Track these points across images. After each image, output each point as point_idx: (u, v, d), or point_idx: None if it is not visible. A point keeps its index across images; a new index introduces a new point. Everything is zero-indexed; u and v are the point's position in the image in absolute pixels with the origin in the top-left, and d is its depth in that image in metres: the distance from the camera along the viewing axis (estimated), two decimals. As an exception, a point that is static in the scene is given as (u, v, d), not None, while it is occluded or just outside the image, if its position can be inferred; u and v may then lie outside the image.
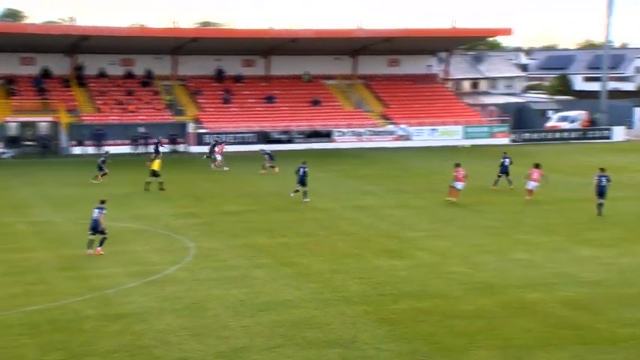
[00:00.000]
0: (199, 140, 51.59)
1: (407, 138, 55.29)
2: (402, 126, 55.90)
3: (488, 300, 17.40)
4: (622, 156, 47.89)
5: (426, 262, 21.00)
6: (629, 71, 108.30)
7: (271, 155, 40.51)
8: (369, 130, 55.40)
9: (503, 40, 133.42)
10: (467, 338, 15.00)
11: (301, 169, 30.84)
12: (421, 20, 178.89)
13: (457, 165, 31.03)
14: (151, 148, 46.55)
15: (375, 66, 62.44)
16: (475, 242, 23.40)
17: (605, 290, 18.03)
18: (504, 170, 33.86)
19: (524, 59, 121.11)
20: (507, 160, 34.07)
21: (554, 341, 14.74)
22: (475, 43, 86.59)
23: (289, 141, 52.86)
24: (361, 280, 19.06)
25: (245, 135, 52.24)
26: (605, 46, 64.61)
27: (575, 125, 61.51)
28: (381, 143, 54.27)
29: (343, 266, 20.51)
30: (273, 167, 39.71)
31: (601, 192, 27.72)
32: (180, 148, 51.11)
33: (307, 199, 30.46)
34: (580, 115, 63.16)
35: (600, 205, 27.59)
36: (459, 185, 30.61)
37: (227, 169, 40.55)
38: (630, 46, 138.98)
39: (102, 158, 36.82)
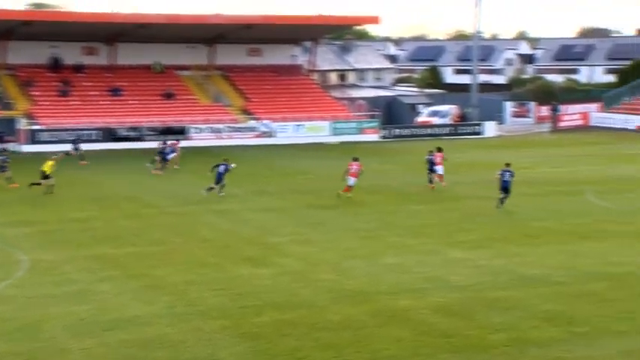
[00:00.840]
0: (33, 138, 49.29)
1: (270, 135, 55.50)
2: (265, 122, 56.04)
3: (358, 309, 17.71)
4: (493, 152, 50.38)
5: (292, 269, 21.11)
6: (499, 63, 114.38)
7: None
8: (229, 127, 55.11)
9: (371, 30, 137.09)
10: (334, 351, 15.18)
11: (222, 167, 32.31)
12: (285, 7, 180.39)
13: (355, 159, 32.11)
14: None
15: (234, 56, 62.19)
16: (344, 246, 23.78)
17: (477, 294, 18.83)
18: (431, 168, 35.20)
19: (393, 50, 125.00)
20: (433, 157, 35.51)
21: (425, 350, 15.21)
22: (342, 32, 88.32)
23: (139, 139, 51.59)
24: (220, 292, 18.88)
25: (87, 132, 50.43)
26: (475, 37, 67.76)
27: (446, 120, 64.03)
28: (242, 140, 54.11)
29: (200, 277, 20.24)
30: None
31: (504, 187, 29.65)
32: (10, 147, 48.60)
33: (222, 193, 32.17)
34: (451, 109, 65.76)
35: (503, 199, 29.60)
36: (351, 181, 31.51)
37: (177, 166, 41.09)
38: (500, 37, 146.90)
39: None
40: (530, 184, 35.68)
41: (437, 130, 60.50)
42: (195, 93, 59.21)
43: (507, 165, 30.38)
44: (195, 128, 54.08)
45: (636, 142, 54.88)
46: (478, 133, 60.76)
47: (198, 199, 31.99)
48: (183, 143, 53.87)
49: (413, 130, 60.83)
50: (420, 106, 68.15)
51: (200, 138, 53.79)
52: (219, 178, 32.13)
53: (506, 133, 62.78)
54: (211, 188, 32.07)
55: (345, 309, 17.69)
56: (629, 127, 62.41)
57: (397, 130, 60.09)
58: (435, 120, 63.38)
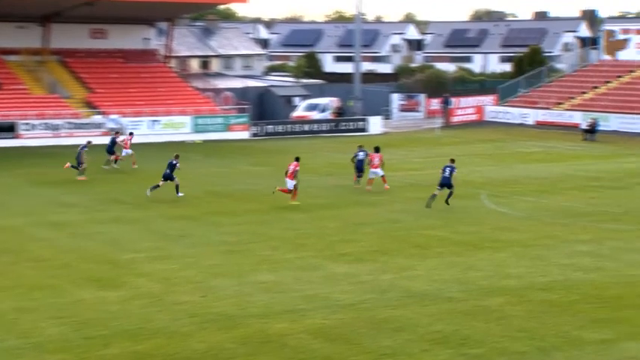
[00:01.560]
0: None
1: (120, 131, 54.51)
2: (113, 116, 55.00)
3: (226, 335, 17.71)
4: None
5: (147, 291, 20.86)
6: (384, 50, 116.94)
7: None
8: (69, 123, 53.78)
9: (238, 9, 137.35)
10: (199, 386, 15.09)
11: (360, 155, 36.30)
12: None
13: (296, 159, 32.94)
14: None
15: (73, 38, 60.78)
16: (209, 263, 23.71)
17: (362, 314, 19.21)
18: (360, 165, 36.62)
19: (264, 33, 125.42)
20: (362, 153, 37.05)
21: (305, 381, 15.36)
22: (204, 12, 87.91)
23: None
24: (59, 320, 18.43)
25: None
26: (357, 19, 68.99)
27: (327, 115, 64.84)
28: (86, 139, 52.87)
29: (34, 303, 19.70)
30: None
31: (442, 184, 31.97)
32: None
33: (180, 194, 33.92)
34: (331, 102, 66.66)
35: (433, 197, 31.83)
36: (290, 184, 32.12)
37: (136, 166, 41.88)
38: (385, 21, 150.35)
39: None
40: (420, 188, 36.69)
41: (315, 127, 61.14)
42: (25, 82, 57.33)
43: (452, 161, 32.67)
44: (27, 124, 52.44)
45: (534, 138, 57.50)
46: (362, 130, 61.83)
47: (27, 210, 31.07)
48: (12, 142, 52.14)
49: (288, 126, 61.19)
50: (297, 98, 68.66)
51: (32, 136, 52.27)
52: (167, 175, 34.07)
53: (393, 130, 64.21)
54: (157, 186, 34.02)
55: (211, 336, 17.65)
56: (526, 123, 65.32)
57: (270, 127, 60.32)
58: (314, 115, 64.01)
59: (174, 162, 34.40)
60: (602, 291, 20.77)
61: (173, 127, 56.56)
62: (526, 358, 16.44)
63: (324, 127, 61.48)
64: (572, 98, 66.13)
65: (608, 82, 66.79)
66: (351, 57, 76.95)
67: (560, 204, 32.89)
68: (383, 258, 24.44)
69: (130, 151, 42.83)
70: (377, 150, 36.22)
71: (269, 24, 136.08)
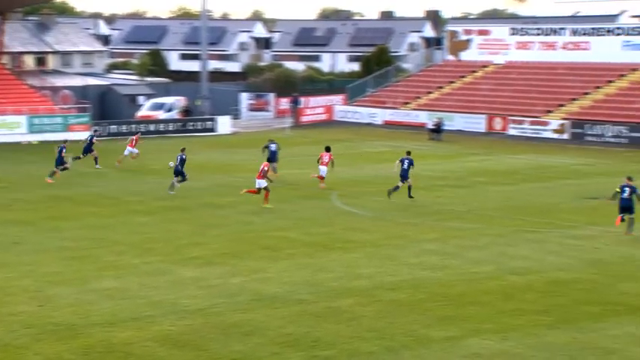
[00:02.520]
0: None
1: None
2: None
3: (65, 345, 17.25)
4: (229, 152, 51.42)
5: (-20, 303, 20.05)
6: (232, 48, 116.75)
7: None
8: None
9: (76, 4, 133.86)
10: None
11: (272, 147, 38.55)
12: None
13: (269, 161, 34.00)
14: None
15: None
16: (48, 270, 23.08)
17: (211, 319, 19.13)
18: (273, 157, 38.38)
19: (105, 29, 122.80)
20: (274, 145, 39.46)
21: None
22: (37, 6, 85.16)
23: None
24: None
25: None
26: (203, 16, 68.58)
27: (173, 115, 64.22)
28: None
29: None
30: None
31: (402, 176, 33.82)
32: None
33: (172, 192, 34.77)
34: (178, 101, 66.09)
35: (396, 188, 33.77)
36: (259, 184, 32.36)
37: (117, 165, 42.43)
38: (233, 18, 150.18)
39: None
40: (272, 189, 36.86)
41: (162, 127, 60.43)
42: None
43: (408, 153, 34.70)
44: None
45: (382, 138, 58.83)
46: (211, 130, 61.58)
47: None
48: None
49: (132, 126, 60.20)
50: (141, 97, 67.66)
51: None
52: (177, 171, 35.21)
53: (242, 129, 64.21)
54: (174, 183, 35.33)
55: (50, 347, 17.14)
56: (375, 122, 66.75)
57: (113, 127, 59.18)
58: (159, 114, 63.27)
59: (184, 156, 35.60)
60: (448, 289, 21.49)
61: (7, 128, 54.55)
62: (375, 358, 16.80)
63: (171, 127, 60.78)
64: (419, 98, 68.09)
65: (452, 82, 69.14)
66: (197, 55, 76.43)
67: (408, 203, 33.78)
68: (233, 261, 24.42)
69: (135, 150, 43.76)
70: (327, 149, 37.47)
71: (110, 19, 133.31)
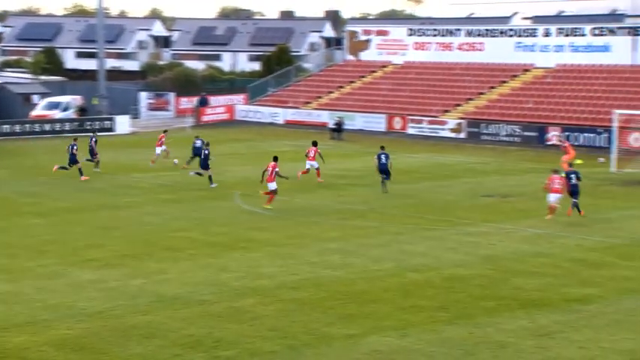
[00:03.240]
0: None
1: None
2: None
3: (-40, 353, 16.75)
4: (128, 152, 50.70)
5: None
6: (130, 46, 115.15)
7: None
8: None
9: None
10: None
11: (197, 143, 40.76)
12: None
13: (274, 158, 33.37)
14: None
15: None
16: (-62, 275, 22.36)
17: (111, 322, 18.84)
18: (197, 153, 40.35)
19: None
20: (199, 141, 41.62)
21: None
22: None
23: None
24: None
25: None
26: (99, 13, 67.42)
27: (69, 114, 62.97)
28: None
29: None
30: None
31: (382, 170, 35.81)
32: None
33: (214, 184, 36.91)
34: (74, 100, 64.87)
35: (383, 182, 35.77)
36: (271, 186, 32.42)
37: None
38: (130, 16, 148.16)
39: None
40: (172, 189, 36.54)
41: (57, 126, 59.23)
42: None
43: (382, 148, 36.81)
44: None
45: (284, 137, 58.95)
46: (109, 129, 60.65)
47: None
48: None
49: (26, 126, 58.88)
50: (35, 96, 66.12)
51: None
52: (205, 163, 37.21)
53: (142, 129, 63.41)
54: (199, 173, 37.61)
55: (-58, 355, 16.59)
56: (277, 122, 66.83)
57: (6, 127, 57.75)
58: (55, 114, 62.01)
59: (207, 151, 37.57)
60: (350, 287, 21.71)
61: None
62: (277, 357, 16.86)
63: (67, 126, 59.53)
64: (320, 98, 68.47)
65: (352, 82, 69.77)
66: (94, 53, 75.08)
67: (311, 202, 33.96)
68: (132, 262, 24.11)
69: (164, 147, 44.31)
70: (314, 144, 39.22)
71: (1, 17, 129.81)
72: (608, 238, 27.35)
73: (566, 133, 51.82)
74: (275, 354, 16.99)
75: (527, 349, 17.18)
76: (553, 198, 30.14)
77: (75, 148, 39.13)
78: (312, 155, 38.74)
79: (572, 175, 30.60)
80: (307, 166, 38.67)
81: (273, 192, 32.57)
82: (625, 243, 26.70)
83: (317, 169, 38.69)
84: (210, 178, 37.28)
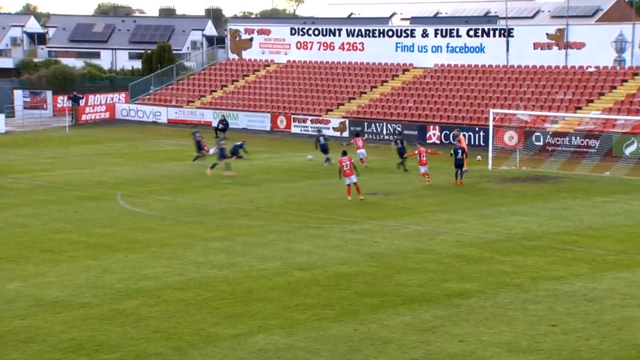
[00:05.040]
0: None
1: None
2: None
3: None
4: (4, 152, 49.22)
5: None
6: (3, 43, 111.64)
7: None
8: None
9: None
10: None
11: (321, 138, 44.73)
12: None
13: (344, 153, 34.76)
14: None
15: None
16: None
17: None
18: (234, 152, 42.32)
19: None
20: (198, 134, 45.25)
21: None
22: None
23: None
24: None
25: None
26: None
27: None
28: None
29: None
30: None
31: (400, 153, 42.42)
32: None
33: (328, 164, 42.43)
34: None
35: (402, 163, 42.22)
36: (353, 179, 33.74)
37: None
38: (4, 12, 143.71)
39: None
40: (51, 190, 35.65)
41: None
42: None
43: (399, 133, 46.09)
44: None
45: (168, 136, 58.30)
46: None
47: None
48: None
49: None
50: None
51: None
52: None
53: (18, 129, 61.92)
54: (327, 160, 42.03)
55: None
56: (159, 121, 66.00)
57: None
58: None
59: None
60: (235, 286, 21.66)
61: None
62: (163, 359, 16.67)
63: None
64: (203, 96, 67.98)
65: (235, 80, 69.53)
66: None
67: (195, 202, 33.70)
68: (9, 266, 23.42)
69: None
70: (358, 134, 46.80)
71: None
72: (486, 234, 28.15)
73: (463, 132, 52.99)
74: (160, 356, 16.80)
75: (410, 344, 17.51)
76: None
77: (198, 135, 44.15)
78: (360, 144, 44.12)
79: (459, 151, 37.98)
80: (360, 156, 43.39)
81: (355, 184, 34.11)
82: (501, 239, 27.53)
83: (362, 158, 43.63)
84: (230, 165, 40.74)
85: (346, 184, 34.18)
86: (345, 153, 34.80)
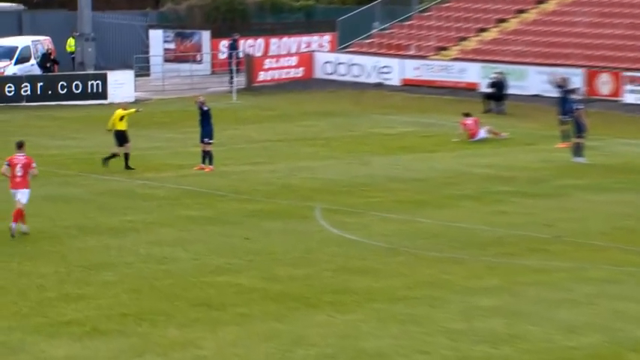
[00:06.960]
0: None
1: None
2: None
3: None
4: (139, 137, 51.20)
5: None
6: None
7: None
8: None
9: None
10: None
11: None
12: None
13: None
14: None
15: None
16: None
17: None
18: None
19: None
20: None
21: None
22: None
23: None
24: None
25: None
26: None
27: (30, 68, 65.23)
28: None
29: None
30: None
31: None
32: None
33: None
34: (37, 44, 66.68)
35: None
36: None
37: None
38: None
39: None
40: (204, 200, 36.88)
41: (11, 91, 60.61)
42: None
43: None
44: None
45: (401, 110, 58.81)
46: (98, 96, 63.10)
47: None
48: None
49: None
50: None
51: None
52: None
53: (156, 96, 65.97)
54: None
55: None
56: (388, 82, 66.83)
57: None
58: (7, 67, 63.95)
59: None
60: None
61: None
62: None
63: (26, 90, 60.59)
64: (464, 39, 68.16)
65: (521, 11, 69.26)
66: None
67: (450, 224, 33.78)
68: (140, 329, 24.32)
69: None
70: (467, 115, 50.67)
71: None
72: None
73: None
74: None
75: None
76: None
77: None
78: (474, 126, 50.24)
79: None
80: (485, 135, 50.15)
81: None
82: None
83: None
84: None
85: None
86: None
